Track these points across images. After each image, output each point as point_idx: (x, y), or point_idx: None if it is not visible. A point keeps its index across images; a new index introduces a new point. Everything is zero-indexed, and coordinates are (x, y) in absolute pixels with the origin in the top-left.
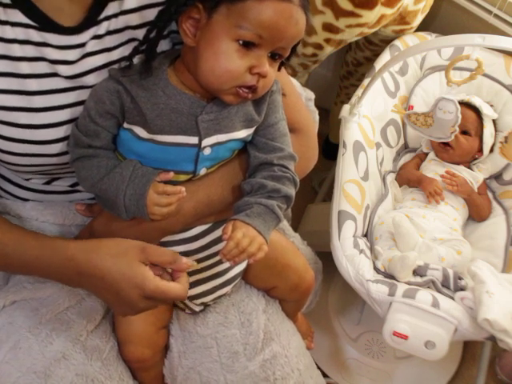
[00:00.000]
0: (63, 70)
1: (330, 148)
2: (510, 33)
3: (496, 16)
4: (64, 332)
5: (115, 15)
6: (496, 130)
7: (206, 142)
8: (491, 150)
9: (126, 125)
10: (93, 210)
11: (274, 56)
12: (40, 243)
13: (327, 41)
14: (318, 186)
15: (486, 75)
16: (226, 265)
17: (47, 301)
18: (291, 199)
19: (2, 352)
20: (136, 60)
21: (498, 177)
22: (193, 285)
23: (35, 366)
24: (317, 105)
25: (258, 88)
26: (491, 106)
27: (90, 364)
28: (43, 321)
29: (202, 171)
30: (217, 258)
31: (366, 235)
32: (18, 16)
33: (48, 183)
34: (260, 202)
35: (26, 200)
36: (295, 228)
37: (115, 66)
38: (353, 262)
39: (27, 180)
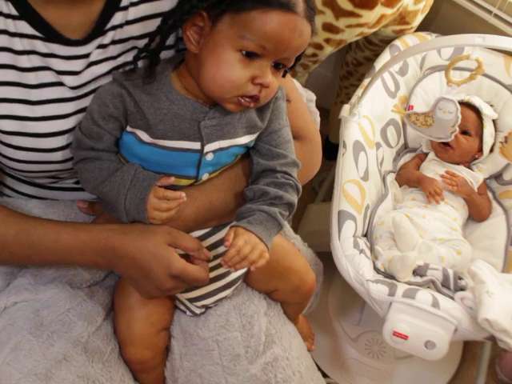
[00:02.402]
0: (69, 80)
1: (330, 148)
2: (510, 33)
3: (496, 16)
4: (65, 334)
5: (121, 25)
6: (496, 130)
7: (209, 147)
8: (491, 150)
9: (129, 128)
10: (94, 208)
11: (277, 65)
12: (74, 230)
13: (327, 41)
14: (318, 186)
15: (485, 75)
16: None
17: (48, 302)
18: (293, 206)
19: (2, 354)
20: (140, 64)
21: (498, 177)
22: (194, 287)
23: (36, 367)
24: (317, 105)
25: (261, 98)
26: (491, 106)
27: (91, 366)
28: (44, 322)
29: (204, 176)
30: (217, 261)
31: (365, 235)
32: (25, 27)
33: (53, 182)
34: (262, 209)
35: (31, 196)
36: (295, 228)
37: (119, 70)
38: (353, 262)
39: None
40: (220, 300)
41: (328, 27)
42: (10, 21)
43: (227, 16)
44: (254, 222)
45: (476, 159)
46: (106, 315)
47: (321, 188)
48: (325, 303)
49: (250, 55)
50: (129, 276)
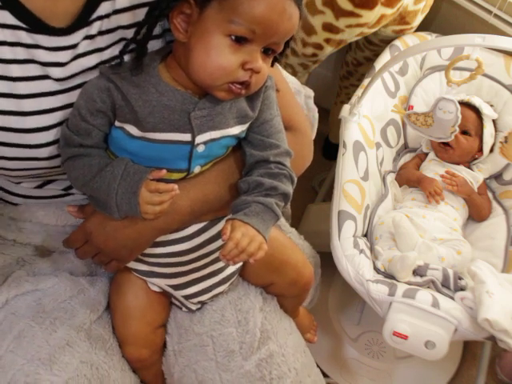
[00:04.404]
0: (55, 72)
1: (329, 148)
2: (510, 33)
3: (496, 16)
4: (68, 320)
5: (107, 15)
6: (496, 130)
7: (200, 138)
8: (491, 150)
9: (117, 123)
10: (85, 211)
11: (266, 51)
12: None
13: (327, 41)
14: (318, 186)
15: (485, 75)
16: (222, 263)
17: (49, 291)
18: (289, 196)
19: (5, 342)
20: (127, 58)
21: (497, 177)
22: (190, 284)
23: (39, 353)
24: (317, 105)
25: (251, 84)
26: (491, 106)
27: (94, 352)
28: (46, 309)
29: (196, 169)
30: (213, 257)
31: (365, 235)
32: (7, 17)
33: (40, 187)
34: (258, 201)
35: (16, 205)
36: (295, 228)
37: (106, 65)
38: (353, 261)
39: (18, 184)
40: (216, 295)
41: (328, 27)
42: None
43: (215, 1)
44: (251, 213)
45: (476, 159)
46: (107, 305)
47: (321, 188)
48: (325, 303)
49: (239, 40)
50: None
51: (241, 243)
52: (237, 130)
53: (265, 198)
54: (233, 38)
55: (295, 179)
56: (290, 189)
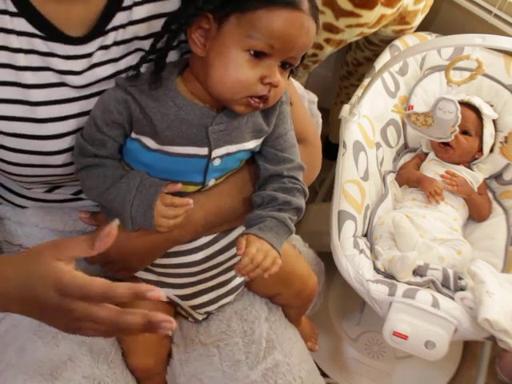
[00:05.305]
0: (73, 79)
1: (330, 148)
2: (510, 33)
3: (496, 16)
4: (69, 334)
5: (123, 26)
6: (496, 130)
7: (216, 152)
8: (491, 150)
9: (133, 135)
10: (97, 218)
11: (284, 65)
12: None
13: (327, 41)
14: (318, 186)
15: (486, 75)
16: (230, 274)
17: None
18: (302, 211)
19: (8, 355)
20: (143, 69)
21: (498, 177)
22: (197, 294)
23: (42, 368)
24: (317, 105)
25: (270, 98)
26: (491, 106)
27: (96, 367)
28: None
29: (211, 182)
30: (222, 268)
31: (365, 235)
32: (23, 25)
33: (49, 191)
34: (272, 216)
35: (25, 208)
36: (296, 228)
37: (123, 76)
38: (353, 262)
39: (28, 189)
40: (222, 306)
41: (328, 27)
42: (6, 17)
43: (233, 17)
44: (265, 228)
45: (476, 159)
46: None
47: (321, 188)
48: (325, 303)
49: (258, 55)
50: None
51: (256, 258)
52: (252, 144)
53: (278, 212)
54: (251, 52)
55: (307, 193)
56: (302, 203)
